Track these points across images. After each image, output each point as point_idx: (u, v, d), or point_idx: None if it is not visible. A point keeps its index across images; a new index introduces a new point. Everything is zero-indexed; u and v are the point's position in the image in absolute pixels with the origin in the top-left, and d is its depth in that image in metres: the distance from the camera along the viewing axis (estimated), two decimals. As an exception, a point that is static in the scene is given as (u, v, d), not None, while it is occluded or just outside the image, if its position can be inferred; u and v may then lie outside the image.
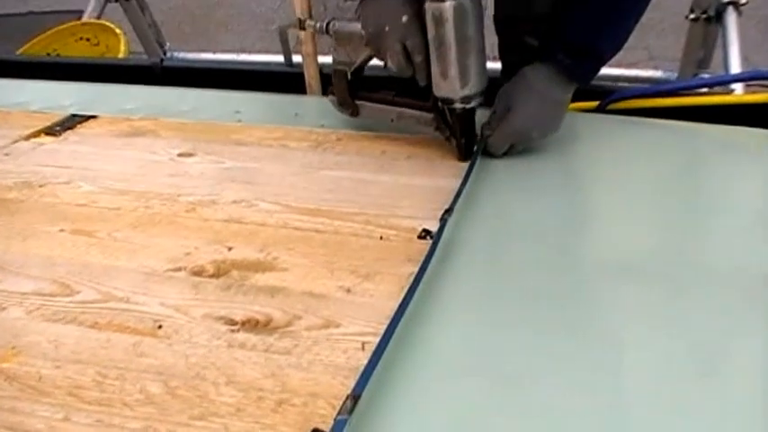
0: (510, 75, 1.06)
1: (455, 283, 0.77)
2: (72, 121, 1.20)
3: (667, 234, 0.87)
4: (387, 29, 0.98)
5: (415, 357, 0.67)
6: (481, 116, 1.03)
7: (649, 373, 0.65)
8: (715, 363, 0.67)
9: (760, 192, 0.95)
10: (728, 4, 1.84)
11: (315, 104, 1.26)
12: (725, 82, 1.47)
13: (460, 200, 0.90)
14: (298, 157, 1.06)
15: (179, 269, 0.81)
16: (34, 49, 2.21)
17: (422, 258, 0.78)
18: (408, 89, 1.03)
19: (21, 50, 2.19)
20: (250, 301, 0.75)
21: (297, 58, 1.34)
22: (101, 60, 2.05)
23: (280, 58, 1.49)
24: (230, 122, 1.19)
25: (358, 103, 1.11)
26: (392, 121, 1.08)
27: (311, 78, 1.28)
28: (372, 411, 0.60)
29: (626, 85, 1.29)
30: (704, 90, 1.24)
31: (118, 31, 2.21)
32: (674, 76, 2.07)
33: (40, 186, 1.00)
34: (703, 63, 1.96)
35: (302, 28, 1.17)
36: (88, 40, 2.27)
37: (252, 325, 0.72)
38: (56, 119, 1.21)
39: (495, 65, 1.47)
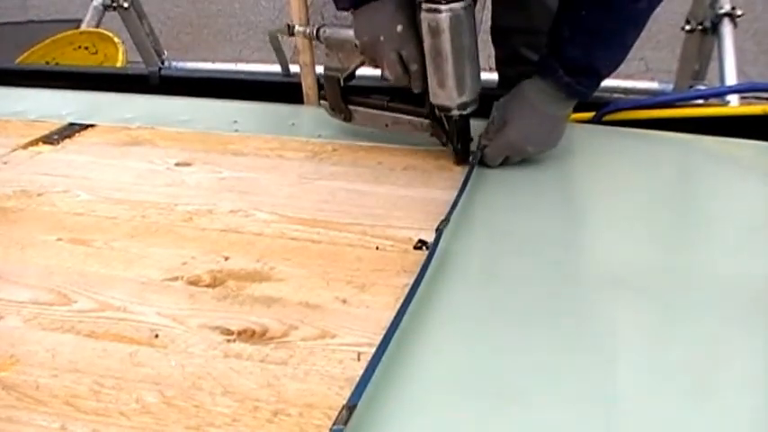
0: (506, 86, 1.06)
1: (451, 293, 0.77)
2: (70, 130, 1.21)
3: (662, 247, 0.88)
4: (382, 39, 0.98)
5: (410, 368, 0.67)
6: (476, 126, 1.03)
7: (645, 391, 0.64)
8: (712, 380, 0.66)
9: (755, 204, 0.95)
10: (724, 15, 1.84)
11: (311, 114, 1.26)
12: (720, 94, 1.48)
13: (456, 211, 0.90)
14: (294, 167, 1.07)
15: (176, 279, 0.81)
16: (33, 57, 2.21)
17: (418, 269, 0.78)
18: (403, 95, 1.04)
19: (19, 59, 2.19)
20: (246, 312, 0.75)
21: (295, 68, 1.35)
22: (99, 69, 2.05)
23: (277, 68, 1.50)
24: (227, 132, 1.19)
25: (351, 108, 1.12)
26: (387, 126, 1.09)
27: (308, 88, 1.29)
28: (368, 422, 0.61)
29: (622, 96, 1.29)
30: (700, 102, 1.25)
31: (116, 40, 2.21)
32: (669, 87, 2.08)
33: (38, 195, 1.01)
34: (699, 75, 1.97)
35: (291, 34, 1.18)
36: (86, 48, 2.27)
37: (248, 335, 0.72)
38: (54, 128, 1.21)
39: (490, 76, 1.48)
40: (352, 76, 1.10)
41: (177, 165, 1.08)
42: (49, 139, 1.18)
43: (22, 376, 0.68)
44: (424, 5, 0.93)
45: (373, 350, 0.66)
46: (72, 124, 1.23)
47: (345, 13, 1.03)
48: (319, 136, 1.16)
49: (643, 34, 0.97)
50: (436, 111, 1.02)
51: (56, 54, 2.24)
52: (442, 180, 1.01)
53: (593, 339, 0.72)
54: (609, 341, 0.71)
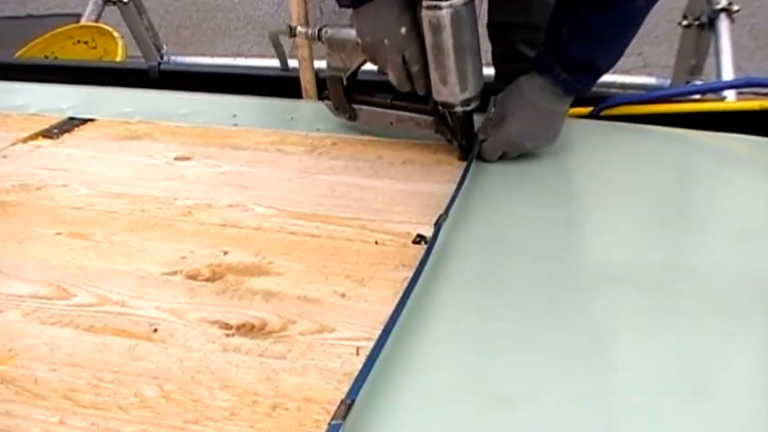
0: (504, 81, 1.06)
1: (450, 288, 0.78)
2: (69, 125, 1.21)
3: (660, 243, 0.88)
4: (386, 42, 0.97)
5: (409, 362, 0.67)
6: (477, 121, 1.03)
7: (643, 392, 0.64)
8: (712, 379, 0.66)
9: (752, 199, 0.96)
10: (721, 11, 1.85)
11: (310, 109, 1.26)
12: (717, 89, 1.48)
13: (455, 205, 0.90)
14: (293, 161, 1.07)
15: (175, 273, 0.81)
16: (32, 51, 2.21)
17: (416, 263, 0.78)
18: (406, 92, 1.04)
19: (19, 53, 2.19)
20: (245, 306, 0.76)
21: (293, 63, 1.35)
22: (98, 64, 2.05)
23: (276, 63, 1.50)
24: (226, 126, 1.19)
25: (355, 107, 1.12)
26: (391, 124, 1.09)
27: (307, 83, 1.29)
28: (366, 417, 0.61)
29: (619, 91, 1.29)
30: (697, 97, 1.25)
31: (116, 34, 2.21)
32: (667, 82, 2.08)
33: (38, 189, 1.01)
34: (696, 70, 1.97)
35: (293, 35, 1.17)
36: (86, 43, 2.27)
37: (247, 329, 0.72)
38: (53, 122, 1.21)
39: (488, 71, 1.48)
40: (354, 74, 1.10)
41: (176, 159, 1.09)
42: (49, 134, 1.18)
43: (21, 370, 0.68)
44: (425, 2, 0.93)
45: (372, 345, 0.66)
46: (71, 118, 1.23)
47: (344, 9, 1.03)
48: (318, 130, 1.16)
49: (641, 30, 0.97)
50: (440, 107, 1.02)
51: (55, 48, 2.24)
52: (441, 174, 1.01)
53: (590, 328, 0.72)
54: (607, 340, 0.71)
